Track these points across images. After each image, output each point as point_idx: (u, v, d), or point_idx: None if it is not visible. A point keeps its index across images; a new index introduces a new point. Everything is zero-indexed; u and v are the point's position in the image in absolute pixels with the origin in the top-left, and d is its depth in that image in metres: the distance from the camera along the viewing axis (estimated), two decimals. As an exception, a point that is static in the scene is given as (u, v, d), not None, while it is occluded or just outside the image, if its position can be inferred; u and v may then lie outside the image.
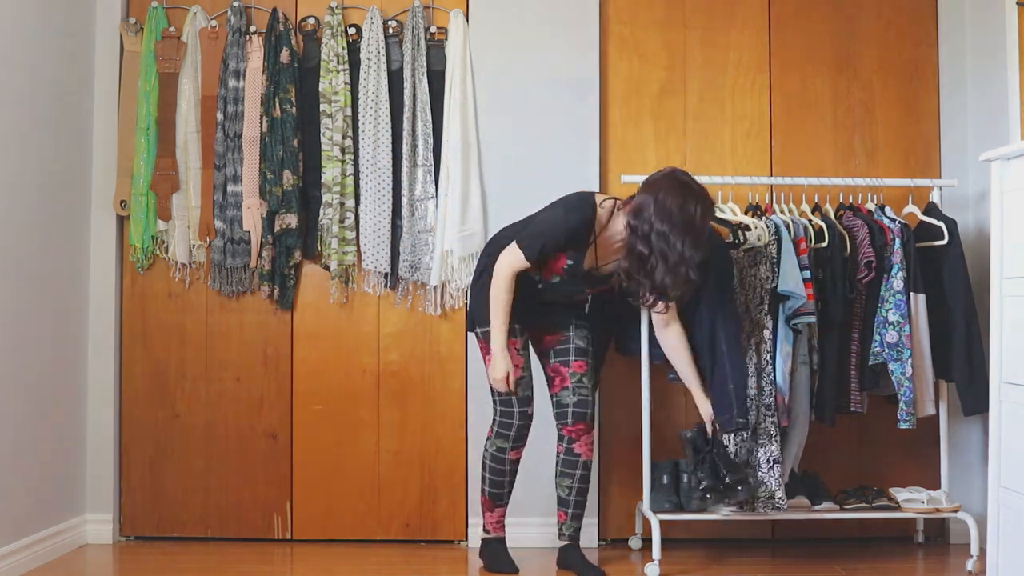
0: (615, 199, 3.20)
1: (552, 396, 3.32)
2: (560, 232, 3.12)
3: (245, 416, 3.80)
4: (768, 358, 3.35)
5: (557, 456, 3.30)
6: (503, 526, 3.39)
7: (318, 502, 3.78)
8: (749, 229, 3.43)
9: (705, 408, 3.32)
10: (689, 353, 3.32)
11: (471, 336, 3.47)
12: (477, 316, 3.28)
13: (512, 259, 3.14)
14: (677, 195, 3.02)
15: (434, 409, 3.79)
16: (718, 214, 3.43)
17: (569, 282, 3.22)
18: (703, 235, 3.06)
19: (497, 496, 3.34)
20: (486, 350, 3.24)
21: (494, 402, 3.29)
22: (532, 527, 3.64)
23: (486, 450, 3.33)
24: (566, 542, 3.35)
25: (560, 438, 3.29)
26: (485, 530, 3.41)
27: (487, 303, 3.18)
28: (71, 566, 3.41)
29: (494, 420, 3.30)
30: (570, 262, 3.17)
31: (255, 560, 3.54)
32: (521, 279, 3.16)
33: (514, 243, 3.15)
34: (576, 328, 3.33)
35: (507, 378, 3.17)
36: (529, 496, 3.62)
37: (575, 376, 3.27)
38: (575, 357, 3.29)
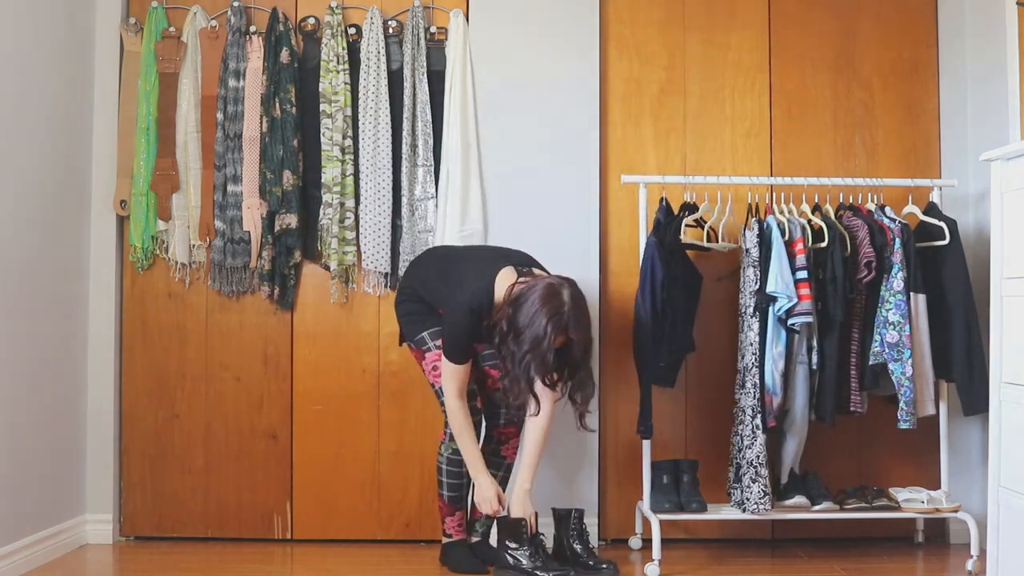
0: (515, 280, 3.12)
1: (482, 395, 3.35)
2: (466, 331, 3.11)
3: (245, 416, 3.80)
4: (754, 359, 3.35)
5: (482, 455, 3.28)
6: (464, 528, 3.40)
7: (318, 502, 3.78)
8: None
9: (517, 503, 3.22)
10: (542, 442, 3.24)
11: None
12: (406, 332, 3.33)
13: (452, 378, 3.14)
14: (541, 304, 2.97)
15: (434, 409, 3.77)
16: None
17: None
18: (547, 360, 2.99)
19: (456, 499, 3.35)
20: (420, 357, 3.29)
21: (441, 404, 3.26)
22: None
23: (441, 455, 3.34)
24: (478, 538, 3.42)
25: (488, 437, 3.37)
26: (446, 534, 3.40)
27: (411, 322, 3.28)
28: (71, 566, 3.41)
29: (445, 423, 3.29)
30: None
31: (255, 560, 3.54)
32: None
33: (444, 359, 3.14)
34: None
35: (497, 498, 3.20)
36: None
37: None
38: None
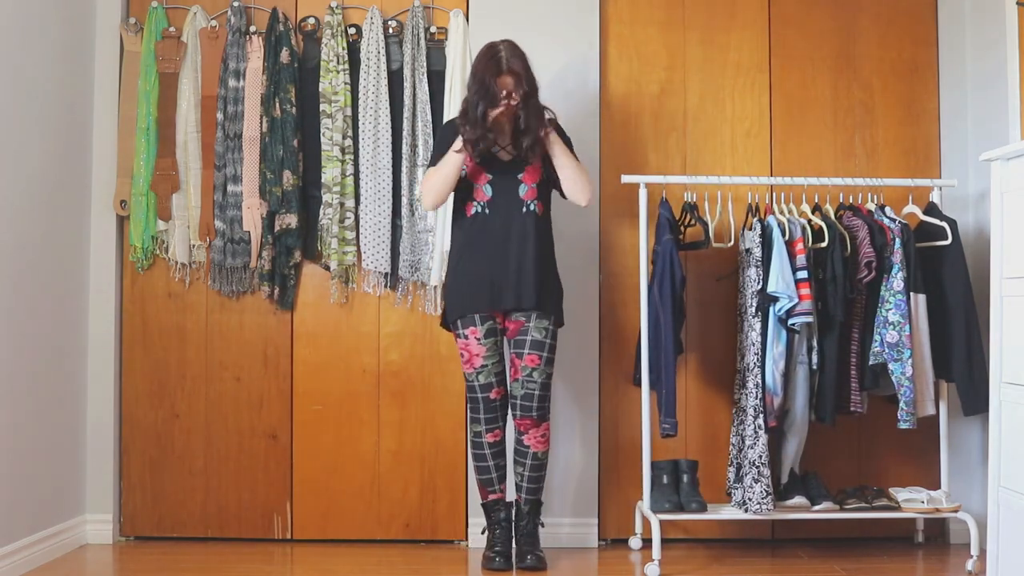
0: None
1: (508, 384, 3.38)
2: (447, 131, 3.36)
3: (245, 416, 3.80)
4: (756, 359, 3.35)
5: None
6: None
7: (318, 502, 3.78)
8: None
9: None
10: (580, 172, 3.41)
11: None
12: (449, 309, 3.41)
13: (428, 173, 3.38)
14: (480, 57, 3.31)
15: (434, 409, 3.79)
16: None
17: (496, 182, 3.33)
18: (494, 95, 3.24)
19: (486, 482, 3.40)
20: (461, 346, 3.36)
21: (467, 389, 3.37)
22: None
23: (469, 440, 3.43)
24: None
25: (515, 427, 3.38)
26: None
27: (452, 294, 3.37)
28: (71, 566, 3.41)
29: (466, 409, 3.40)
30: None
31: (255, 560, 3.54)
32: (469, 226, 3.34)
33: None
34: (537, 318, 3.32)
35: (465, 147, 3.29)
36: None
37: (525, 370, 3.31)
38: (529, 350, 3.31)
